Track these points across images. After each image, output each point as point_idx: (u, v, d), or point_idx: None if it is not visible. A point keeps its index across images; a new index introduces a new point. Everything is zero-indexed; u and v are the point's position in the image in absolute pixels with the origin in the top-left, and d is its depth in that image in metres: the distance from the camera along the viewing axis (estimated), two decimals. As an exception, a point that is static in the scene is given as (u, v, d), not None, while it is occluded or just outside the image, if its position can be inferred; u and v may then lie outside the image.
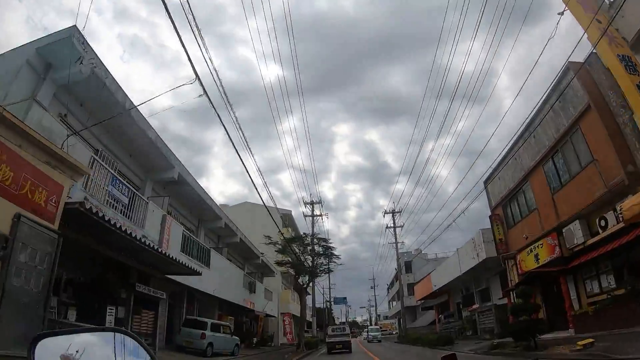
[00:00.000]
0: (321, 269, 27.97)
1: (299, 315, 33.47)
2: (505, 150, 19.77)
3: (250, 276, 28.57)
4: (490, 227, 24.00)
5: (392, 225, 37.74)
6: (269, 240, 26.16)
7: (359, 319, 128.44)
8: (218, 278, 20.58)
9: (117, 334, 1.03)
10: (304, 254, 27.07)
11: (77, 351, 0.93)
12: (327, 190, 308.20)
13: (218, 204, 27.53)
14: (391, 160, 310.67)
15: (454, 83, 39.69)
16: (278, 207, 26.75)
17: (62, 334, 1.04)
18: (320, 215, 36.18)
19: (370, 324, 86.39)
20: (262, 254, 28.14)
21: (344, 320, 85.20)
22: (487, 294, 27.82)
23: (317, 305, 60.30)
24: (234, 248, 27.11)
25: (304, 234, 27.99)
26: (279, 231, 25.24)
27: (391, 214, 38.10)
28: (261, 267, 33.94)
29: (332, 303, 60.70)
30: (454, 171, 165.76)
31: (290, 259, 26.08)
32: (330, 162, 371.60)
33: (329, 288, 59.46)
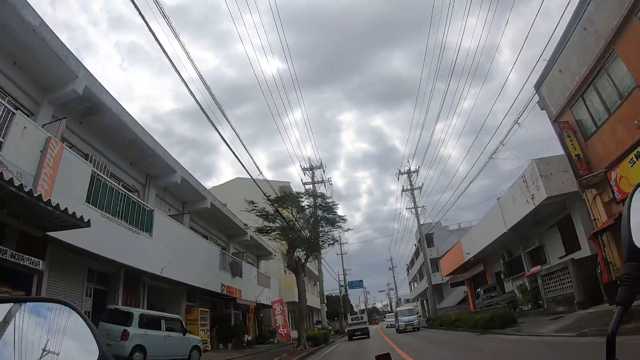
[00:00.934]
0: (323, 239, 21.62)
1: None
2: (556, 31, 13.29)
3: (235, 257, 22.46)
4: (546, 157, 17.66)
5: (408, 187, 31.33)
6: (253, 207, 19.99)
7: (378, 305, 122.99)
8: (170, 252, 14.44)
9: (57, 305, 0.95)
10: (298, 220, 20.79)
11: (10, 321, 0.88)
12: (337, 179, 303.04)
13: (207, 187, 21.43)
14: (398, 144, 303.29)
15: (455, 61, 34.18)
16: (277, 179, 20.79)
17: (2, 302, 0.93)
18: (322, 181, 30.05)
19: (391, 310, 79.88)
20: (246, 225, 21.93)
21: (362, 307, 79.45)
22: (541, 255, 21.35)
23: (330, 293, 54.20)
24: (208, 219, 20.97)
25: (297, 192, 21.53)
26: (265, 195, 19.07)
27: (407, 175, 31.68)
28: (254, 248, 27.84)
29: (348, 288, 54.34)
30: (463, 147, 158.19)
31: (279, 224, 19.76)
32: (338, 150, 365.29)
33: (344, 274, 53.34)
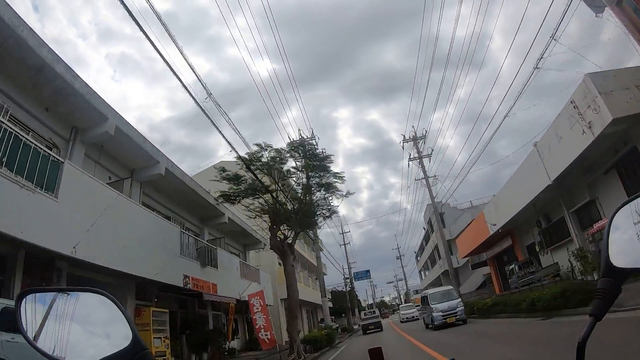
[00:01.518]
0: (317, 208, 16.97)
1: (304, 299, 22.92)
2: None
3: (210, 243, 17.90)
4: (601, 71, 13.30)
5: (415, 156, 26.83)
6: (224, 174, 15.56)
7: (386, 299, 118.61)
8: (90, 225, 9.92)
9: (96, 295, 1.04)
10: (282, 187, 16.22)
11: (58, 308, 1.00)
12: None
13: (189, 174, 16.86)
14: (396, 137, 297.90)
15: (448, 50, 32.06)
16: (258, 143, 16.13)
17: (47, 292, 1.06)
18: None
19: (401, 301, 75.51)
20: (217, 200, 17.29)
21: (370, 302, 76.13)
22: (593, 212, 16.98)
23: (334, 287, 49.60)
24: (170, 194, 16.37)
25: (279, 149, 16.53)
26: (238, 155, 14.59)
27: (412, 142, 27.22)
28: (237, 235, 23.31)
29: (354, 279, 49.61)
30: (462, 135, 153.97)
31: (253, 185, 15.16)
32: (336, 147, 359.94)
33: (349, 267, 48.80)
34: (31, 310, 0.97)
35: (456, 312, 17.40)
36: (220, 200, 16.85)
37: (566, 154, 14.71)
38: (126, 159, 13.97)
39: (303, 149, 16.74)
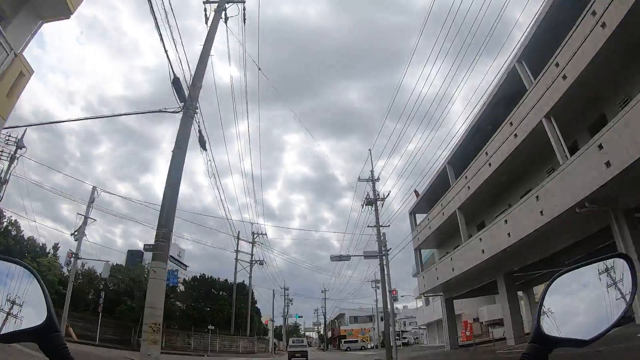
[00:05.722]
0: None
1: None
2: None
3: None
4: None
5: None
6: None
7: (302, 326, 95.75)
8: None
9: (18, 266, 0.98)
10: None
11: None
12: (272, 197, 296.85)
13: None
14: (339, 174, 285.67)
15: (410, 104, 25.39)
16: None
17: None
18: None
19: (325, 331, 70.85)
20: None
21: (279, 323, 69.76)
22: None
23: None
24: None
25: None
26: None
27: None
28: None
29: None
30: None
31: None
32: (278, 170, 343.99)
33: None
34: None
35: None
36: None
37: None
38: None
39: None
